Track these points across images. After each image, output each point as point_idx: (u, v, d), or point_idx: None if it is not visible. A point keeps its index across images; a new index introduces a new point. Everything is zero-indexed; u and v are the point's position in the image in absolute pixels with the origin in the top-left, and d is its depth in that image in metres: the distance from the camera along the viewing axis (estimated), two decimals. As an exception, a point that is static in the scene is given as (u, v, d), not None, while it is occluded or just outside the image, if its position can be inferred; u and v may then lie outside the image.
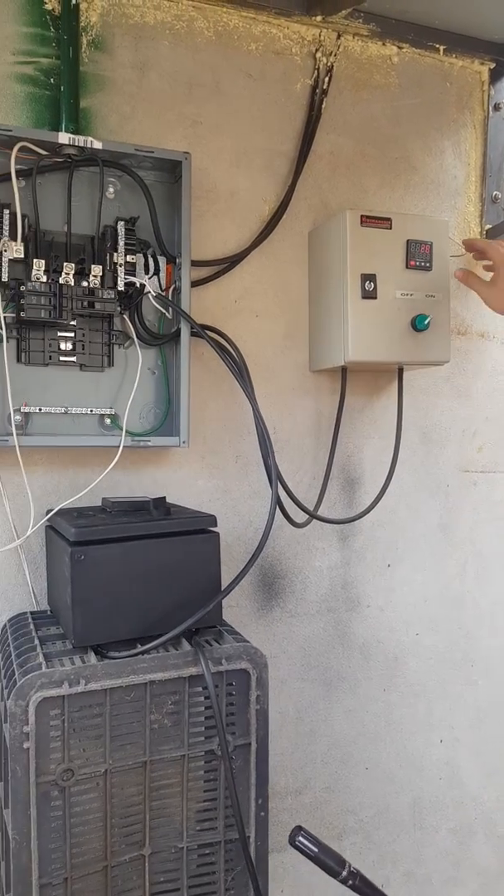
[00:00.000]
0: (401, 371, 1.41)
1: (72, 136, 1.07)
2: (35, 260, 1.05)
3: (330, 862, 0.70)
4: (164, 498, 1.04)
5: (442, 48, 1.46)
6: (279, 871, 1.41)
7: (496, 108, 1.53)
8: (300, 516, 1.30)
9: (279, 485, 1.22)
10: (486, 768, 1.61)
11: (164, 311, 1.19)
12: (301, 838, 0.68)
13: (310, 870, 1.43)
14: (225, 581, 1.01)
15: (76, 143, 1.06)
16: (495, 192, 1.53)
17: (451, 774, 1.57)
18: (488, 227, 1.53)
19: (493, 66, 1.52)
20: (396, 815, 1.51)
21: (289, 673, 1.39)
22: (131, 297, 1.14)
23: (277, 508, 1.21)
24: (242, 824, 0.91)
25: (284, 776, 1.40)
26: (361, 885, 0.70)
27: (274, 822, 1.39)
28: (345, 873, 0.70)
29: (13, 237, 1.04)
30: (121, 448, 1.10)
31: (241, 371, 1.19)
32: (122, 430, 1.14)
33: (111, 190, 1.16)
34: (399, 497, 1.48)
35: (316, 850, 0.69)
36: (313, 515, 1.32)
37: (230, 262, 1.30)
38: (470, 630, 1.57)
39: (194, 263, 1.23)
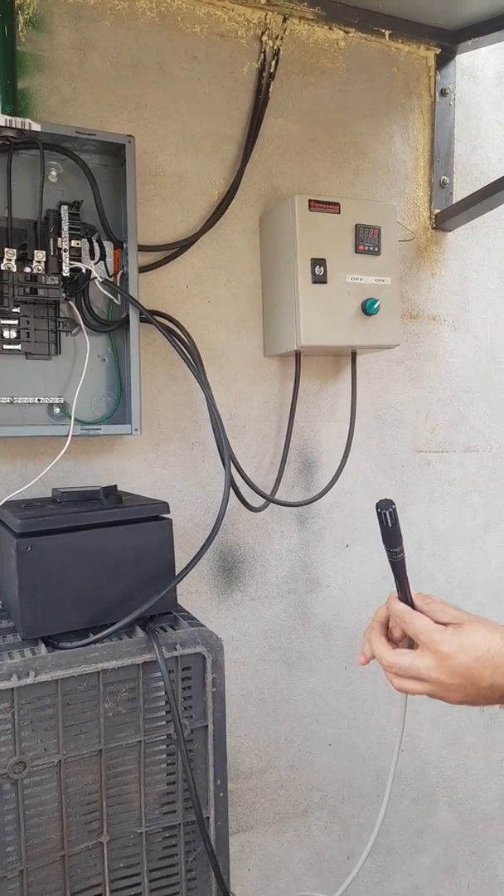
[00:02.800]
0: (354, 355, 1.42)
1: (9, 118, 1.04)
2: (-27, 246, 1.02)
3: (395, 538, 0.74)
4: (115, 486, 1.03)
5: (388, 33, 1.45)
6: (245, 850, 1.43)
7: (443, 93, 1.54)
8: (257, 500, 1.31)
9: (235, 469, 1.22)
10: (446, 738, 1.66)
11: (112, 297, 1.17)
12: (390, 511, 0.72)
13: (277, 847, 1.46)
14: (182, 567, 1.01)
15: (14, 126, 1.03)
16: (443, 177, 1.55)
17: (412, 746, 1.62)
18: (437, 211, 1.55)
19: (438, 51, 1.52)
20: (360, 789, 1.55)
21: (251, 655, 1.41)
22: (77, 283, 1.12)
23: (232, 493, 1.21)
24: (200, 806, 0.92)
25: (248, 757, 1.42)
26: (400, 566, 0.76)
27: (239, 801, 1.41)
28: (397, 549, 0.75)
29: (-51, 223, 1.01)
30: (69, 437, 1.09)
31: (192, 356, 1.18)
32: (71, 418, 1.12)
33: (53, 174, 1.13)
34: (356, 478, 1.50)
35: (392, 524, 0.73)
36: (269, 499, 1.33)
37: (179, 247, 1.28)
38: (427, 607, 1.61)
39: (142, 248, 1.21)
